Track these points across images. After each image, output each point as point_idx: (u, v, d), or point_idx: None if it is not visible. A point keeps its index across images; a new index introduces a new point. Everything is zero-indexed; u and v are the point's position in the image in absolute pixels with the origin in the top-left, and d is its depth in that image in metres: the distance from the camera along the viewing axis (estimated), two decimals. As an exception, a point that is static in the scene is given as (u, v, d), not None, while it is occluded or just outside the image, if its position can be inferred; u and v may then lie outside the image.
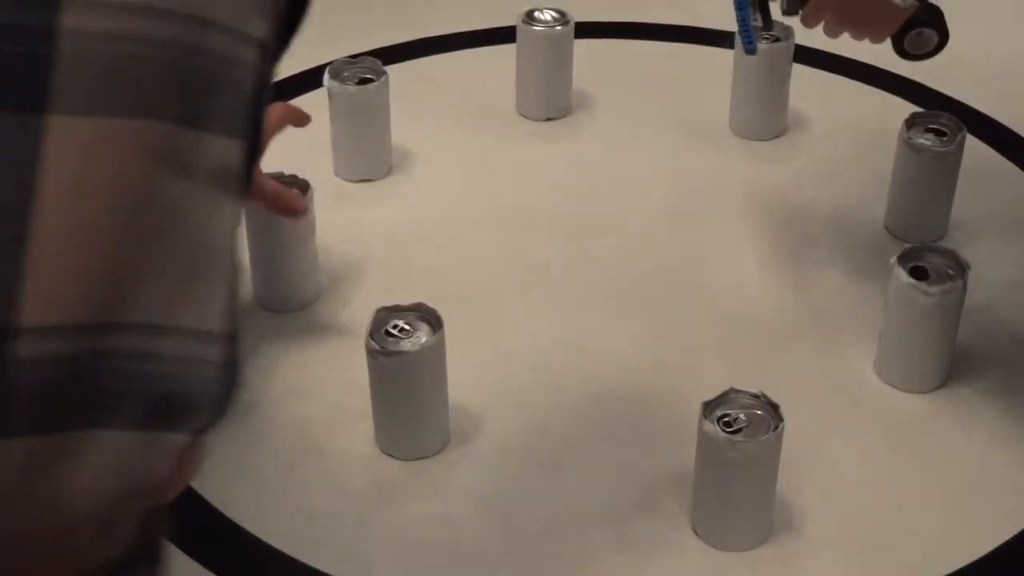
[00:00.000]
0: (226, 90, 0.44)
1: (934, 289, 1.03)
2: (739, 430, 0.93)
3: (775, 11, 1.13)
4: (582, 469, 1.02)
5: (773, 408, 0.94)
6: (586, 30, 1.46)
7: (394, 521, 0.98)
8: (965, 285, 1.04)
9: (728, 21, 1.38)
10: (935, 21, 1.09)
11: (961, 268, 1.05)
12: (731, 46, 1.36)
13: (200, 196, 0.43)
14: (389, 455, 1.03)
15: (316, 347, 1.13)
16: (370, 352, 0.98)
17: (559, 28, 1.37)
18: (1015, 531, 0.97)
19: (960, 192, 1.24)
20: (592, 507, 0.99)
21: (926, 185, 1.22)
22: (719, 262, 1.22)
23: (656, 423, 1.05)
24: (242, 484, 1.01)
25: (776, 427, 0.93)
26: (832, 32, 1.13)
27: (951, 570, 0.95)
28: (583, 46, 1.42)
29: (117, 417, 0.42)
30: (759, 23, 1.10)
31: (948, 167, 1.21)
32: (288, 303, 1.16)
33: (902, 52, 1.12)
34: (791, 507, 0.98)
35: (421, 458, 1.02)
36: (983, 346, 1.12)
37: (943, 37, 1.10)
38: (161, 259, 0.41)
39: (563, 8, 1.39)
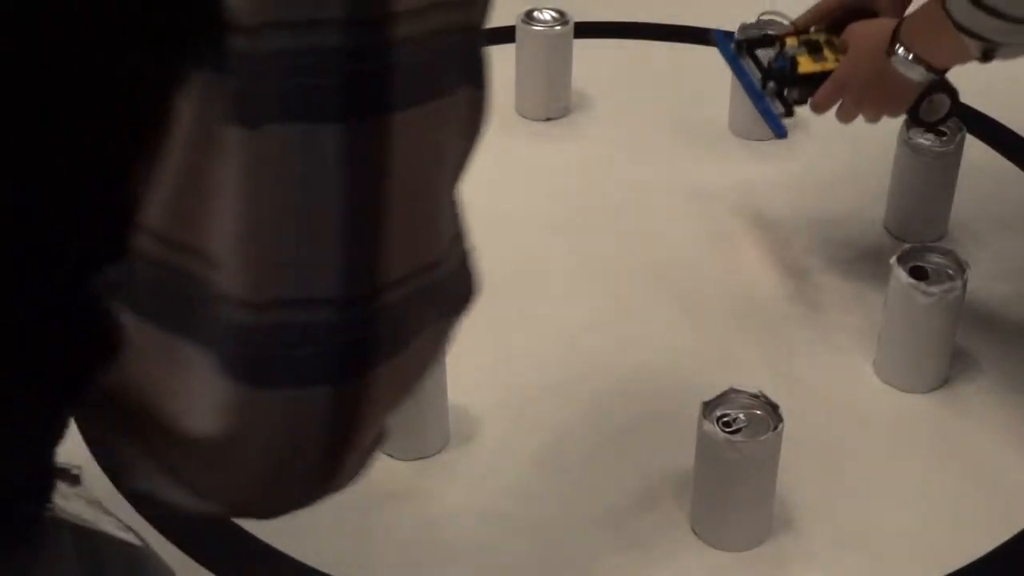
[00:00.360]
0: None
1: (934, 289, 1.03)
2: (739, 430, 0.93)
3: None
4: (581, 469, 1.02)
5: (772, 408, 0.94)
6: (585, 30, 1.46)
7: (394, 521, 0.98)
8: (964, 285, 1.04)
9: (727, 21, 1.39)
10: (944, 84, 1.10)
11: (960, 268, 1.05)
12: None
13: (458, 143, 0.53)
14: (389, 455, 1.03)
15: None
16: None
17: (558, 28, 1.37)
18: (1015, 531, 0.97)
19: (960, 192, 1.24)
20: (592, 506, 0.99)
21: (926, 185, 1.22)
22: (718, 262, 1.22)
23: (656, 423, 1.05)
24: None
25: (775, 427, 0.93)
26: (847, 115, 1.13)
27: (951, 570, 0.95)
28: (582, 46, 1.42)
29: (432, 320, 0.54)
30: (781, 110, 1.11)
31: (948, 167, 1.21)
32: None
33: (919, 121, 1.13)
34: (790, 507, 0.99)
35: (421, 458, 1.02)
36: (982, 346, 1.12)
37: (955, 98, 1.11)
38: (446, 203, 0.54)
39: (562, 8, 1.39)
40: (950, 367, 1.09)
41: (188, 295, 0.49)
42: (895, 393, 1.09)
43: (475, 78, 0.53)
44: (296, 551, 0.95)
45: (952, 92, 1.11)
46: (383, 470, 1.02)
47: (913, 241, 1.15)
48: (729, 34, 1.20)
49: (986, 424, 1.06)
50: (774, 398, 0.95)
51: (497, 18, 1.58)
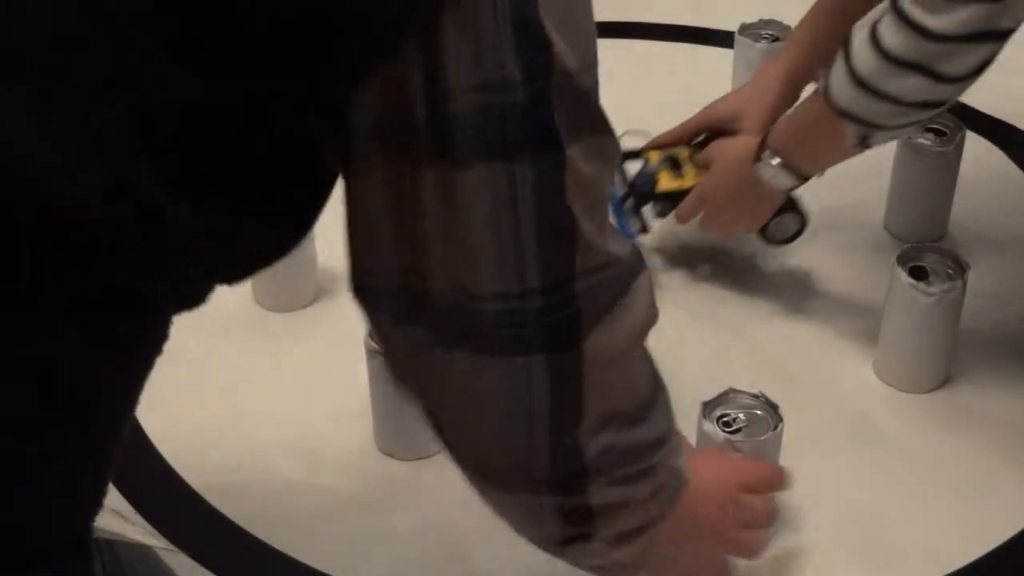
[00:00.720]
0: None
1: (934, 289, 1.03)
2: (738, 430, 0.93)
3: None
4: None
5: (772, 408, 0.94)
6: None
7: (393, 520, 0.98)
8: (965, 285, 1.04)
9: (728, 21, 1.39)
10: (795, 207, 1.14)
11: (960, 268, 1.05)
12: (730, 46, 1.36)
13: None
14: (388, 455, 1.03)
15: (315, 347, 1.13)
16: (369, 352, 0.98)
17: (559, 28, 1.37)
18: (1015, 531, 0.97)
19: (960, 192, 1.24)
20: None
21: (926, 185, 1.22)
22: (717, 262, 1.22)
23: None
24: (242, 484, 1.01)
25: (775, 427, 0.93)
26: (708, 226, 1.15)
27: (951, 569, 0.95)
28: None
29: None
30: (637, 227, 1.15)
31: (948, 167, 1.21)
32: (288, 303, 1.16)
33: (767, 238, 1.16)
34: (789, 507, 0.99)
35: (420, 458, 1.02)
36: (982, 346, 1.12)
37: (803, 220, 1.15)
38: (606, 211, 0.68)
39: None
40: (950, 367, 1.09)
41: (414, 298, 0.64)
42: (895, 393, 1.09)
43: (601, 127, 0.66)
44: (296, 551, 0.95)
45: (801, 213, 1.15)
46: (382, 470, 1.02)
47: (913, 241, 1.15)
48: None
49: (986, 424, 1.06)
50: (774, 398, 0.95)
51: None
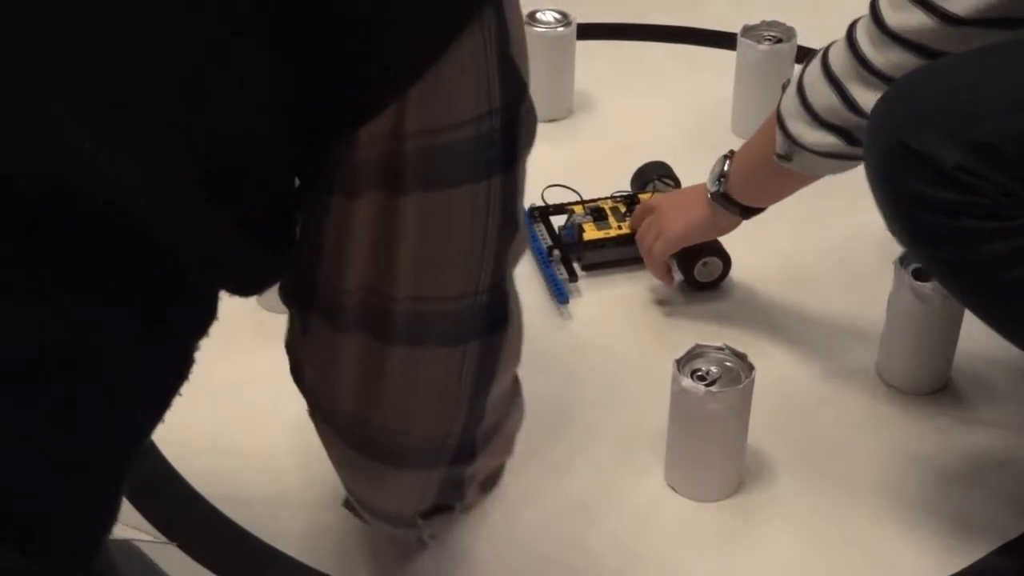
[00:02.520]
0: None
1: (936, 290, 1.03)
2: (713, 382, 0.95)
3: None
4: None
5: (740, 357, 0.97)
6: (588, 31, 1.46)
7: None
8: (967, 286, 1.04)
9: (729, 22, 1.39)
10: (719, 250, 1.18)
11: (963, 269, 1.05)
12: (733, 47, 1.36)
13: None
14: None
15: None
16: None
17: (561, 29, 1.37)
18: (1017, 532, 0.97)
19: (962, 194, 1.23)
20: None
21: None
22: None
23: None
24: (242, 485, 1.00)
25: (748, 375, 0.95)
26: (642, 235, 1.16)
27: (954, 570, 0.95)
28: (585, 47, 1.42)
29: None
30: (564, 275, 1.19)
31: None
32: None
33: (693, 282, 1.19)
34: (790, 503, 0.99)
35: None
36: (984, 347, 1.12)
37: (727, 264, 1.19)
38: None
39: (565, 9, 1.39)
40: (952, 368, 1.09)
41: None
42: (897, 394, 1.09)
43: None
44: (295, 550, 0.95)
45: (726, 258, 1.18)
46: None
47: (915, 242, 1.15)
48: None
49: (988, 425, 1.06)
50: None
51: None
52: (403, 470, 0.79)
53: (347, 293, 0.70)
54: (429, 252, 0.69)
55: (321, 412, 0.79)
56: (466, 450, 0.79)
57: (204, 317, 0.68)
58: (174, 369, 0.67)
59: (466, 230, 0.69)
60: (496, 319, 0.74)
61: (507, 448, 0.86)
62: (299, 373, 0.80)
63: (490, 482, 0.88)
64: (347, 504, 0.89)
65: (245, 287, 0.69)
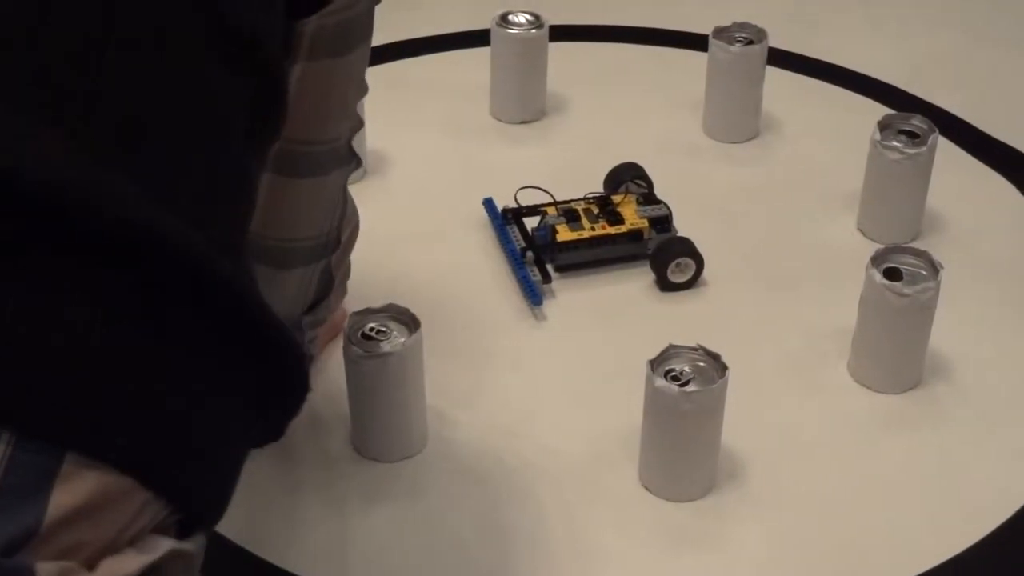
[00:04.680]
0: None
1: (908, 290, 1.04)
2: (687, 382, 0.96)
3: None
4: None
5: (714, 358, 0.97)
6: (560, 33, 1.46)
7: (370, 523, 0.98)
8: (938, 286, 1.05)
9: (702, 23, 1.40)
10: (692, 251, 1.19)
11: (934, 269, 1.06)
12: (704, 49, 1.36)
13: None
14: (367, 458, 1.03)
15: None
16: (351, 356, 0.98)
17: (533, 31, 1.38)
18: (986, 532, 0.98)
19: (932, 193, 1.24)
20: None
21: (898, 187, 1.23)
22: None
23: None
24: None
25: (722, 375, 0.96)
26: None
27: (922, 570, 0.95)
28: (557, 49, 1.43)
29: None
30: (538, 277, 1.19)
31: (920, 168, 1.22)
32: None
33: (667, 283, 1.19)
34: (763, 501, 0.99)
35: (399, 460, 1.02)
36: (956, 347, 1.13)
37: (700, 264, 1.19)
38: None
39: (537, 11, 1.39)
40: (924, 368, 1.10)
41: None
42: (869, 394, 1.09)
43: None
44: (275, 556, 0.95)
45: (699, 259, 1.19)
46: (360, 473, 1.02)
47: (886, 242, 1.16)
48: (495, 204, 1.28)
49: (960, 425, 1.07)
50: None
51: (472, 21, 1.61)
52: (292, 270, 0.95)
53: None
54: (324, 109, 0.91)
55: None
56: (334, 241, 0.97)
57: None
58: None
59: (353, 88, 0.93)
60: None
61: (353, 235, 1.03)
62: None
63: (347, 272, 1.03)
64: None
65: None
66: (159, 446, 0.60)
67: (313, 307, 0.99)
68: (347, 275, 1.04)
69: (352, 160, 0.96)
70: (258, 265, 0.82)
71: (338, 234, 0.98)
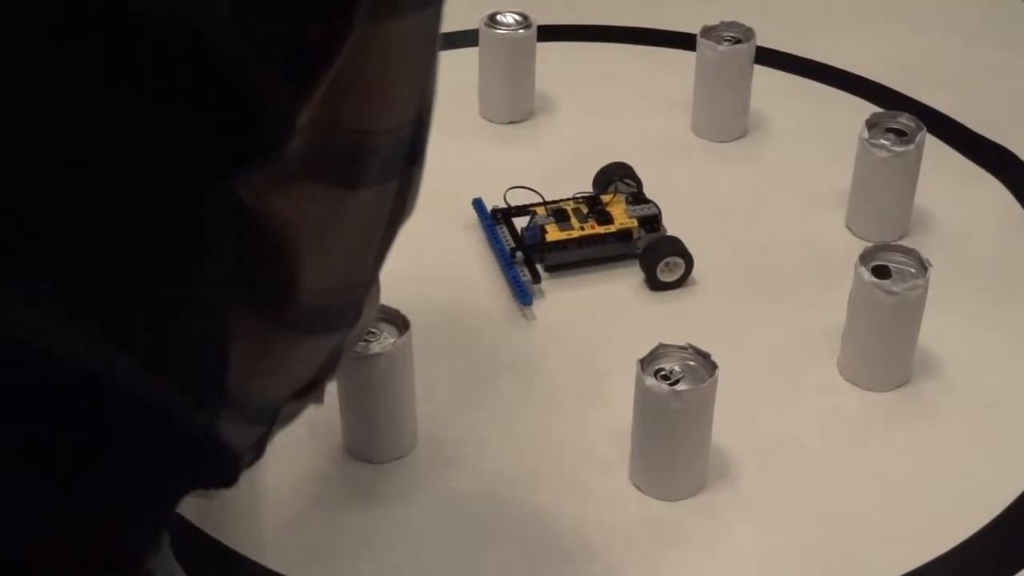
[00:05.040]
0: None
1: (897, 288, 1.04)
2: (677, 381, 0.96)
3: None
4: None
5: (704, 356, 0.97)
6: (549, 33, 1.46)
7: (362, 525, 0.98)
8: (927, 283, 1.05)
9: (690, 23, 1.40)
10: (681, 250, 1.19)
11: (923, 267, 1.06)
12: (692, 48, 1.37)
13: None
14: (359, 459, 1.03)
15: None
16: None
17: (521, 31, 1.38)
18: (975, 529, 0.98)
19: (920, 191, 1.25)
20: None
21: (887, 185, 1.23)
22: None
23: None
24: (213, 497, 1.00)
25: (712, 373, 0.96)
26: None
27: (912, 568, 0.95)
28: (546, 49, 1.43)
29: None
30: (527, 277, 1.19)
31: (908, 167, 1.22)
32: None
33: (656, 282, 1.19)
34: (754, 500, 0.99)
35: (389, 461, 1.02)
36: (945, 345, 1.13)
37: (689, 263, 1.19)
38: None
39: (525, 11, 1.39)
40: (913, 366, 1.10)
41: None
42: (858, 392, 1.09)
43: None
44: (265, 558, 0.95)
45: (688, 258, 1.19)
46: (351, 474, 1.02)
47: (875, 240, 1.16)
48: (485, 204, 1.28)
49: (949, 422, 1.07)
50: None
51: (460, 21, 1.61)
52: (314, 336, 0.70)
53: None
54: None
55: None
56: (356, 306, 0.72)
57: None
58: None
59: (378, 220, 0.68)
60: (416, 152, 0.69)
61: (373, 310, 0.77)
62: None
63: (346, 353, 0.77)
64: None
65: None
66: None
67: (306, 390, 0.74)
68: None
69: (418, 162, 0.70)
70: (277, 331, 0.66)
71: (366, 293, 0.72)
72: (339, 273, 0.68)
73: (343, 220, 0.66)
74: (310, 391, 0.74)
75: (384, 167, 0.66)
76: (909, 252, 1.08)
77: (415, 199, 0.73)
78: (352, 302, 0.71)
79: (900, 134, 1.22)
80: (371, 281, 0.73)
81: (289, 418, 0.74)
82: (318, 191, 0.63)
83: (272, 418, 0.71)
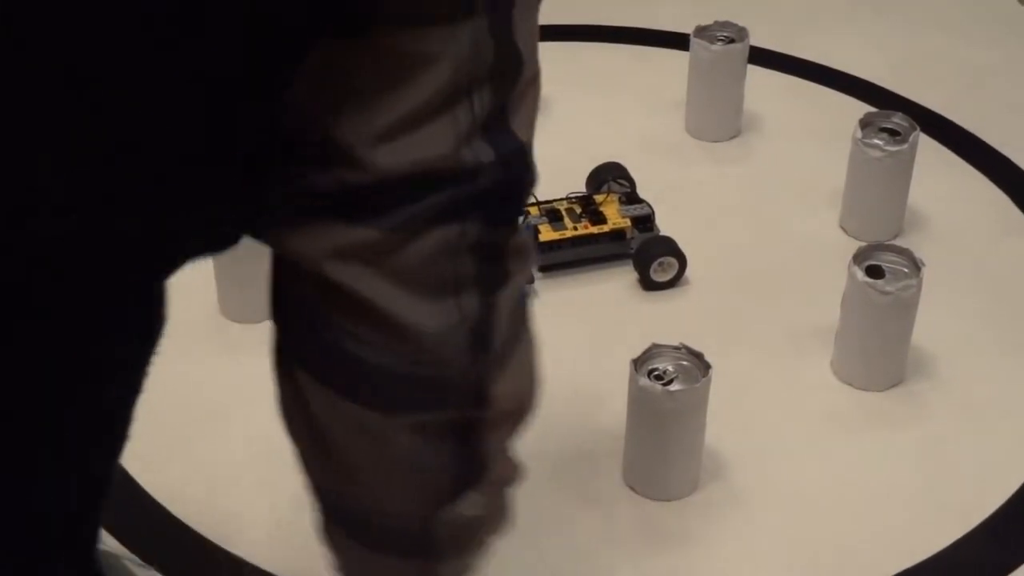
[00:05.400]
0: None
1: (890, 288, 1.04)
2: (670, 381, 0.96)
3: None
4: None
5: (697, 357, 0.98)
6: (544, 33, 1.46)
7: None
8: (920, 283, 1.05)
9: (683, 23, 1.40)
10: (675, 250, 1.19)
11: (916, 266, 1.06)
12: (686, 48, 1.37)
13: None
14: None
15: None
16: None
17: (515, 32, 1.37)
18: (968, 528, 0.98)
19: (914, 191, 1.25)
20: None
21: (880, 184, 1.23)
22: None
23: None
24: (206, 496, 1.00)
25: (704, 374, 0.96)
26: None
27: (905, 567, 0.95)
28: (541, 49, 1.42)
29: None
30: None
31: (902, 166, 1.22)
32: (253, 315, 1.15)
33: (649, 282, 1.20)
34: (747, 499, 0.99)
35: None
36: (938, 344, 1.13)
37: (682, 263, 1.20)
38: None
39: (519, 12, 1.39)
40: (907, 365, 1.10)
41: None
42: (852, 391, 1.09)
43: None
44: (264, 561, 0.95)
45: (681, 258, 1.20)
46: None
47: (868, 240, 1.16)
48: None
49: (942, 421, 1.07)
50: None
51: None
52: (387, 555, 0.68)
53: None
54: None
55: (344, 514, 0.69)
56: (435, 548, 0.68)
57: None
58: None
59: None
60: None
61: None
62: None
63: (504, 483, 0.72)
64: None
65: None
66: None
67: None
68: None
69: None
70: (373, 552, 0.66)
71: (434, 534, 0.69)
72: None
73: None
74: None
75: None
76: (902, 252, 1.08)
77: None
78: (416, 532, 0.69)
79: (894, 134, 1.22)
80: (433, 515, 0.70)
81: None
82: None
83: None
